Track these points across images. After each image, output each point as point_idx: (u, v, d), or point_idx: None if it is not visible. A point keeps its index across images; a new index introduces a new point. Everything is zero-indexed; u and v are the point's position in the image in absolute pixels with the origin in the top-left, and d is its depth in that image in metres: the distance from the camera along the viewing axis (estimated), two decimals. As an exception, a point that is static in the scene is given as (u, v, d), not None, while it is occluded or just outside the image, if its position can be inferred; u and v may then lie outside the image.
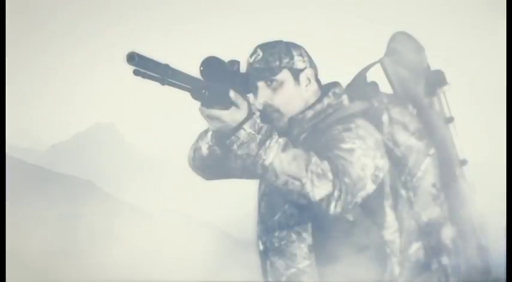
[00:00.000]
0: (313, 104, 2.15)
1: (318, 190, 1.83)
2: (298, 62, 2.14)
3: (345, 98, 2.18)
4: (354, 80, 2.31)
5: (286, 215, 2.11)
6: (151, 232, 12.91)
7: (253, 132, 1.83)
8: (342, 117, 2.10)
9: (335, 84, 2.21)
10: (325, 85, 2.21)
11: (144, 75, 1.63)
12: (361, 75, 2.30)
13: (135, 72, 1.62)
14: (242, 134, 1.82)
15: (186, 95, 1.79)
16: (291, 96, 2.12)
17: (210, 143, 2.10)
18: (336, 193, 1.85)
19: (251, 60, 2.13)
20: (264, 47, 2.14)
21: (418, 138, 2.18)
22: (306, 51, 2.18)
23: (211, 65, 1.86)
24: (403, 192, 2.14)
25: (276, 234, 2.13)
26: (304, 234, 2.09)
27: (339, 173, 1.88)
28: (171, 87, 1.74)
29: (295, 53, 2.14)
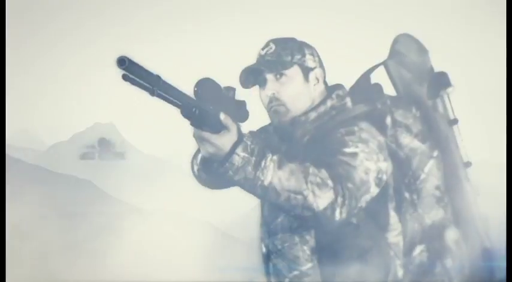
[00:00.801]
0: (317, 106, 2.14)
1: (321, 200, 1.81)
2: (309, 61, 2.15)
3: (348, 101, 2.17)
4: (357, 82, 2.30)
5: (289, 218, 2.10)
6: (151, 232, 12.91)
7: (246, 155, 1.77)
8: (345, 119, 2.09)
9: (338, 86, 2.21)
10: (329, 87, 2.21)
11: (132, 82, 1.56)
12: (365, 77, 2.29)
13: (124, 77, 1.55)
14: (236, 159, 1.76)
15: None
16: (299, 92, 2.12)
17: (199, 167, 2.07)
18: (340, 199, 1.84)
19: (262, 52, 2.14)
20: (276, 41, 2.15)
21: (421, 141, 2.17)
22: (317, 52, 2.19)
23: (206, 86, 1.79)
24: (406, 194, 2.13)
25: (279, 236, 2.13)
26: (307, 237, 2.08)
27: (341, 178, 1.86)
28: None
29: (307, 51, 2.15)
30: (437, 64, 2.31)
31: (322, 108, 2.14)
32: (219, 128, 1.75)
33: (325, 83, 2.20)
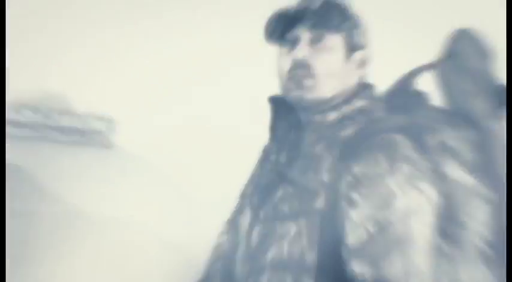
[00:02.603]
0: (339, 105, 1.61)
1: None
2: (360, 37, 1.65)
3: (379, 107, 1.66)
4: (395, 85, 1.76)
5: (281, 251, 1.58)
6: (151, 233, 12.92)
7: None
8: (373, 131, 1.56)
9: (368, 86, 1.69)
10: (361, 85, 1.70)
11: None
12: (406, 81, 1.75)
13: None
14: None
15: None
16: (336, 68, 1.60)
17: None
18: None
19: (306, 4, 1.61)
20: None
21: (471, 172, 1.57)
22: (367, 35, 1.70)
23: None
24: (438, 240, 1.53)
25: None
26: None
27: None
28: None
29: (359, 25, 1.66)
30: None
31: (345, 109, 1.61)
32: None
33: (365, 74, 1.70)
